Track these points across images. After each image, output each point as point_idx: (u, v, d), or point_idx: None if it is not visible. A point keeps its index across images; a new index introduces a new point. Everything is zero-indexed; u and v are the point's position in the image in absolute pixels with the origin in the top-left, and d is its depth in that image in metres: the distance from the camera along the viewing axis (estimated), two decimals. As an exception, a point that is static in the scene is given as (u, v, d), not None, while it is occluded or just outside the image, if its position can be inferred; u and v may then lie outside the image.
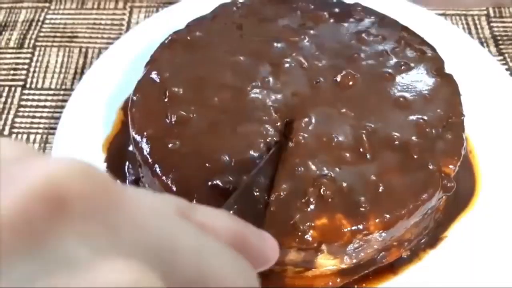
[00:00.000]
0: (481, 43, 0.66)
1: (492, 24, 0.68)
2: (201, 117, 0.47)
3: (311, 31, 0.54)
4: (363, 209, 0.41)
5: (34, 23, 0.69)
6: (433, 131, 0.46)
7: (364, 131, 0.45)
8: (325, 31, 0.54)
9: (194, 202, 0.41)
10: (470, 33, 0.67)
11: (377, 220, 0.41)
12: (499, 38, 0.67)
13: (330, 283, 0.45)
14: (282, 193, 0.41)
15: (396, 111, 0.47)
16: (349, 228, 0.40)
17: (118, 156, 0.53)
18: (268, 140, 0.45)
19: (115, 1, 0.71)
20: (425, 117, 0.47)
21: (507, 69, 0.63)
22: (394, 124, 0.46)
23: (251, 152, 0.44)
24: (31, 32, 0.68)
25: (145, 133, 0.46)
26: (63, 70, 0.64)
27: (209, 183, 0.42)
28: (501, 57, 0.65)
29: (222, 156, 0.43)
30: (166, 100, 0.48)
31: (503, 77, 0.58)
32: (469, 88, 0.56)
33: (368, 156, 0.44)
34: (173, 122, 0.46)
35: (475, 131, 0.54)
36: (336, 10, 0.56)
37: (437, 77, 0.50)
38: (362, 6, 0.57)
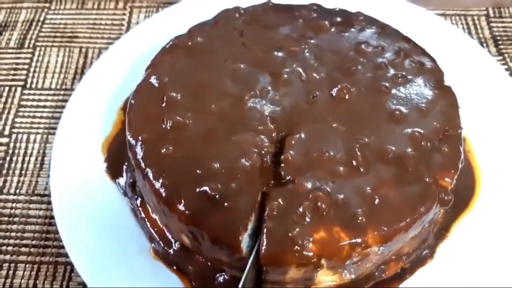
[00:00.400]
0: (481, 43, 0.66)
1: (491, 24, 0.68)
2: (197, 124, 0.47)
3: (312, 41, 0.54)
4: (360, 222, 0.41)
5: (34, 23, 0.69)
6: (429, 144, 0.45)
7: (357, 145, 0.45)
8: (326, 41, 0.54)
9: (182, 207, 0.42)
10: (469, 33, 0.67)
11: (375, 233, 0.41)
12: (498, 38, 0.67)
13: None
14: (276, 209, 0.41)
15: (391, 124, 0.47)
16: (347, 241, 0.40)
17: (118, 156, 0.53)
18: (262, 151, 0.45)
19: (115, 1, 0.71)
20: (421, 130, 0.46)
21: (506, 69, 0.63)
22: (388, 137, 0.46)
23: (243, 161, 0.44)
24: (31, 32, 0.68)
25: (139, 137, 0.46)
26: (63, 70, 0.64)
27: (198, 189, 0.42)
28: (500, 57, 0.65)
29: (213, 163, 0.44)
30: (164, 105, 0.48)
31: (503, 77, 0.58)
32: (469, 88, 0.56)
33: (361, 170, 0.44)
34: (168, 127, 0.47)
35: (474, 130, 0.54)
36: (338, 19, 0.56)
37: (435, 89, 0.50)
38: (364, 15, 0.56)
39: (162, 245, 0.48)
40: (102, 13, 0.70)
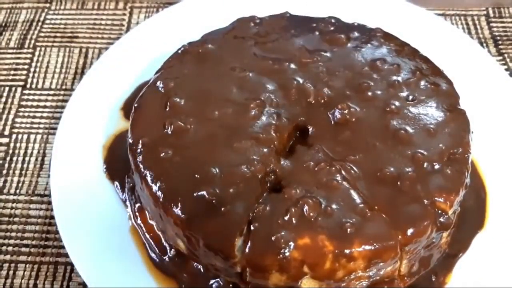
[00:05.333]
0: (481, 43, 0.66)
1: (491, 24, 0.68)
2: (199, 129, 0.47)
3: (326, 54, 0.52)
4: (347, 233, 0.40)
5: (34, 23, 0.69)
6: (430, 166, 0.44)
7: (353, 160, 0.45)
8: (340, 55, 0.53)
9: (178, 210, 0.42)
10: (469, 33, 0.67)
11: (362, 247, 0.40)
12: (498, 38, 0.67)
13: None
14: (263, 212, 0.41)
15: (394, 145, 0.46)
16: (331, 250, 0.40)
17: (118, 157, 0.53)
18: (263, 159, 0.45)
19: (115, 1, 0.71)
20: (425, 152, 0.45)
21: (506, 69, 0.63)
22: (388, 157, 0.45)
23: (243, 168, 0.44)
24: (31, 32, 0.68)
25: (140, 141, 0.46)
26: (63, 70, 0.64)
27: (195, 194, 0.42)
28: (500, 57, 0.65)
29: (212, 169, 0.43)
30: (167, 109, 0.48)
31: (503, 77, 0.58)
32: (469, 88, 0.56)
33: (357, 184, 0.43)
34: (169, 132, 0.46)
35: (474, 130, 0.53)
36: (356, 34, 0.54)
37: (447, 112, 0.48)
38: (383, 32, 0.55)
39: (157, 251, 0.48)
40: (102, 13, 0.70)
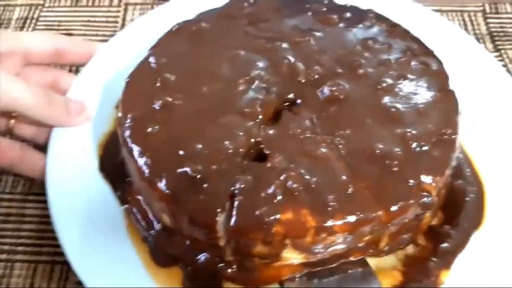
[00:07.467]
0: (478, 40, 0.66)
1: (488, 20, 0.68)
2: (186, 105, 0.47)
3: (318, 34, 0.53)
4: (330, 208, 0.41)
5: (28, 21, 0.69)
6: (419, 145, 0.45)
7: (342, 141, 0.45)
8: (332, 35, 0.53)
9: (162, 186, 0.42)
10: (466, 29, 0.67)
11: (342, 221, 0.40)
12: (495, 34, 0.67)
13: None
14: (246, 185, 0.42)
15: (384, 121, 0.46)
16: (314, 225, 0.40)
17: (113, 155, 0.53)
18: (247, 133, 0.45)
19: (110, -2, 0.71)
20: (414, 131, 0.45)
21: (503, 66, 0.63)
22: (378, 135, 0.45)
23: (226, 143, 0.44)
24: (25, 29, 0.68)
25: (128, 115, 0.47)
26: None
27: (179, 169, 0.43)
28: (497, 54, 0.65)
29: (196, 145, 0.44)
30: (157, 85, 0.49)
31: (500, 73, 0.58)
32: (465, 85, 0.56)
33: (342, 152, 0.44)
34: (157, 107, 0.47)
35: (471, 128, 0.53)
36: (348, 14, 0.55)
37: (437, 92, 0.49)
38: (375, 13, 0.56)
39: (145, 227, 0.48)
40: (96, 10, 0.70)
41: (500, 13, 0.69)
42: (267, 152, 0.44)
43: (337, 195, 0.41)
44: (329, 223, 0.40)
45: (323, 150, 0.44)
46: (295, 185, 0.42)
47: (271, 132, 0.45)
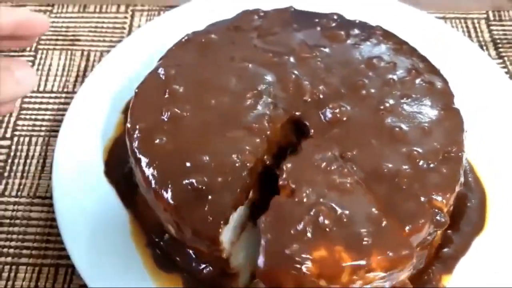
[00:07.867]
0: (481, 47, 0.66)
1: (491, 27, 0.69)
2: (194, 117, 0.48)
3: (325, 50, 0.53)
4: (365, 243, 0.39)
5: (36, 27, 0.69)
6: (426, 164, 0.44)
7: (350, 156, 0.44)
8: (338, 52, 0.53)
9: (168, 196, 0.43)
10: (469, 36, 0.67)
11: (379, 257, 0.38)
12: (498, 41, 0.67)
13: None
14: (274, 221, 0.40)
15: (390, 141, 0.46)
16: (349, 263, 0.38)
17: (119, 159, 0.53)
18: (257, 149, 0.45)
19: (117, 5, 0.71)
20: (420, 149, 0.45)
21: (506, 72, 0.63)
22: (384, 155, 0.45)
23: (233, 157, 0.44)
24: (33, 35, 0.68)
25: (137, 126, 0.47)
26: (65, 73, 0.65)
27: (185, 180, 0.43)
28: (500, 60, 0.65)
29: (203, 157, 0.44)
30: (166, 96, 0.49)
31: (503, 80, 0.59)
32: (468, 92, 0.56)
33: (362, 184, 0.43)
34: (166, 119, 0.48)
35: (473, 134, 0.54)
36: (356, 31, 0.55)
37: (442, 110, 0.48)
38: (383, 30, 0.55)
39: (149, 233, 0.49)
40: (104, 16, 0.70)
41: (504, 21, 0.69)
42: (290, 183, 0.42)
43: (370, 229, 0.39)
44: (366, 258, 0.38)
45: (350, 181, 0.42)
46: (327, 221, 0.39)
47: (290, 165, 0.44)
